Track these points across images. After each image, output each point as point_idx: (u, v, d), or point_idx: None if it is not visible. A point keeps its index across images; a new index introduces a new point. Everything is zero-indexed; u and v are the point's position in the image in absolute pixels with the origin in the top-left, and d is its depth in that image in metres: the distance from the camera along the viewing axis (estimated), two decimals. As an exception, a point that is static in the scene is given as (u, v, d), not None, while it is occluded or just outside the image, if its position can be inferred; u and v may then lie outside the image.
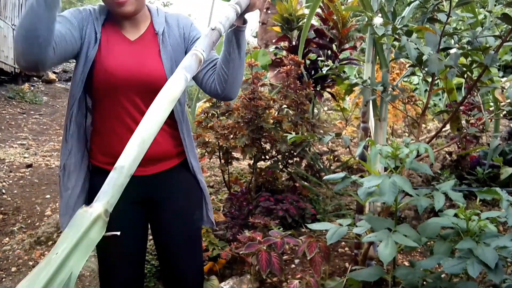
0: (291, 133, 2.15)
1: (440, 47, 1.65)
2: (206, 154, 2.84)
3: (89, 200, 1.40)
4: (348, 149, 4.20)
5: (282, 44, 4.41)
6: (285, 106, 2.86)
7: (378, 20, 1.66)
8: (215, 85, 1.41)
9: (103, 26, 1.37)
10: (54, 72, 12.43)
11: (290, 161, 2.99)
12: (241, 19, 1.29)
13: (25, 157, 5.09)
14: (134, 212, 1.46)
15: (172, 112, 1.41)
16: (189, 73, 1.00)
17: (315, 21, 4.78)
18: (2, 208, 3.55)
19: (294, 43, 4.04)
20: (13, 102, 8.61)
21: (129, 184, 1.33)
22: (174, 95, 0.94)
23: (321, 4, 3.58)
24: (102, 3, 1.39)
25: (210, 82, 1.42)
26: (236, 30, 1.30)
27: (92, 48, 1.33)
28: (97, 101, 1.40)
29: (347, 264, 2.29)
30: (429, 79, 1.82)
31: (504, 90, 1.90)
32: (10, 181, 4.20)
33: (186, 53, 1.40)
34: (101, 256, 1.49)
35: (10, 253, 2.92)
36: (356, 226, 1.51)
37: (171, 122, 1.44)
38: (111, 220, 1.35)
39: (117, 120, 1.38)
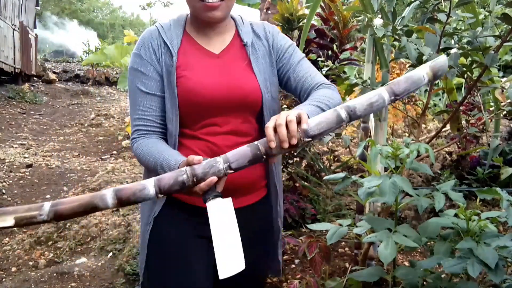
0: (291, 133, 2.14)
1: (440, 47, 1.65)
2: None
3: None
4: (348, 149, 4.20)
5: (282, 44, 4.41)
6: (285, 106, 2.86)
7: (378, 20, 1.66)
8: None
9: (180, 45, 1.20)
10: (54, 72, 12.44)
11: (290, 161, 2.99)
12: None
13: (25, 157, 5.09)
14: (201, 247, 1.21)
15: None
16: None
17: (315, 21, 4.79)
18: (2, 208, 3.55)
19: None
20: (13, 102, 8.62)
21: (199, 217, 1.13)
22: None
23: (322, 4, 3.58)
24: (175, 17, 1.26)
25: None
26: None
27: (171, 74, 1.17)
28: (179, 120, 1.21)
29: (347, 264, 2.29)
30: (429, 79, 1.82)
31: (504, 90, 1.90)
32: (10, 181, 4.20)
33: (275, 66, 1.26)
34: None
35: (10, 253, 2.92)
36: (356, 226, 1.51)
37: None
38: (174, 252, 1.20)
39: (200, 140, 1.19)
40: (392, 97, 0.98)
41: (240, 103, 1.18)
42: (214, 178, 0.97)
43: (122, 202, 0.95)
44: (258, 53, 1.23)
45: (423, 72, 1.02)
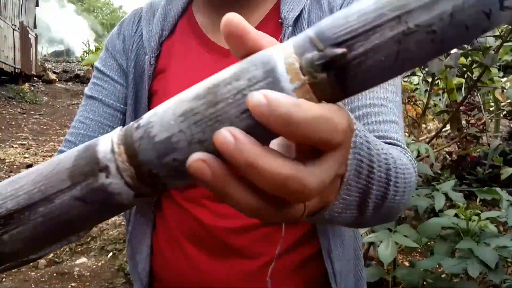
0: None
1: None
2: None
3: None
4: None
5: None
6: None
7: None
8: None
9: (172, 32, 0.68)
10: (55, 72, 12.45)
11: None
12: None
13: (25, 157, 5.09)
14: None
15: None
16: None
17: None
18: (2, 208, 3.55)
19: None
20: (13, 102, 8.62)
21: None
22: None
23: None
24: None
25: None
26: None
27: (140, 85, 0.66)
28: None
29: (347, 264, 2.29)
30: (429, 79, 1.83)
31: (504, 90, 1.90)
32: (10, 181, 4.21)
33: None
34: None
35: (10, 253, 2.92)
36: (356, 226, 1.51)
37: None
38: None
39: (180, 209, 0.63)
40: None
41: None
42: None
43: None
44: None
45: None
